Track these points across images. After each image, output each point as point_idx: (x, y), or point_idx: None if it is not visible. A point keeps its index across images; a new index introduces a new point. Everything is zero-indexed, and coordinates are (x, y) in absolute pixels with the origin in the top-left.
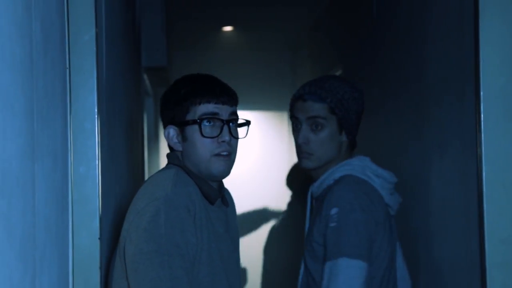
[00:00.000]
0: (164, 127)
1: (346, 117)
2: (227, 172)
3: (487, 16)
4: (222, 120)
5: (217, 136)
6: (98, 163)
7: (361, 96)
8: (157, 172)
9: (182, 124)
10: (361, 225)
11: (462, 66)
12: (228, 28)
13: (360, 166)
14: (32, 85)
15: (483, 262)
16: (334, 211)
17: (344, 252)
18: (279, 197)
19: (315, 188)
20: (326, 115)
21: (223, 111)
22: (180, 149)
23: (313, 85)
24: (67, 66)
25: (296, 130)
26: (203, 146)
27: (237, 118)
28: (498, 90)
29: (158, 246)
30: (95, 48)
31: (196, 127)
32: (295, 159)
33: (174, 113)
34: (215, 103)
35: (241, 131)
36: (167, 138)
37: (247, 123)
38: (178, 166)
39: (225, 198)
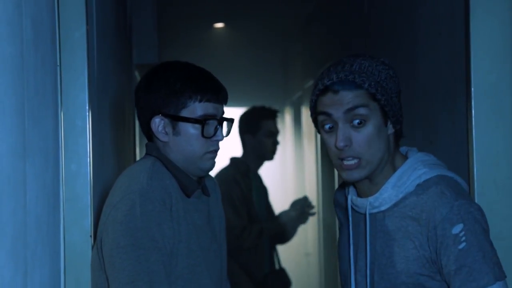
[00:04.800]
0: (142, 112)
1: (390, 102)
2: (214, 167)
3: (477, 13)
4: (217, 120)
5: (213, 136)
6: (89, 160)
7: (396, 74)
8: (134, 164)
9: (176, 118)
10: None
11: (453, 63)
12: (219, 25)
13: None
14: (23, 83)
15: None
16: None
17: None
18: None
19: (377, 202)
20: (369, 103)
21: (219, 110)
22: (166, 140)
23: (340, 70)
24: (58, 63)
25: (328, 133)
26: (200, 144)
27: (223, 115)
28: (489, 87)
29: (134, 240)
30: (86, 45)
31: (196, 125)
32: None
33: (164, 104)
34: (214, 103)
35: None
36: (153, 127)
37: (231, 120)
38: (155, 157)
39: (206, 188)
